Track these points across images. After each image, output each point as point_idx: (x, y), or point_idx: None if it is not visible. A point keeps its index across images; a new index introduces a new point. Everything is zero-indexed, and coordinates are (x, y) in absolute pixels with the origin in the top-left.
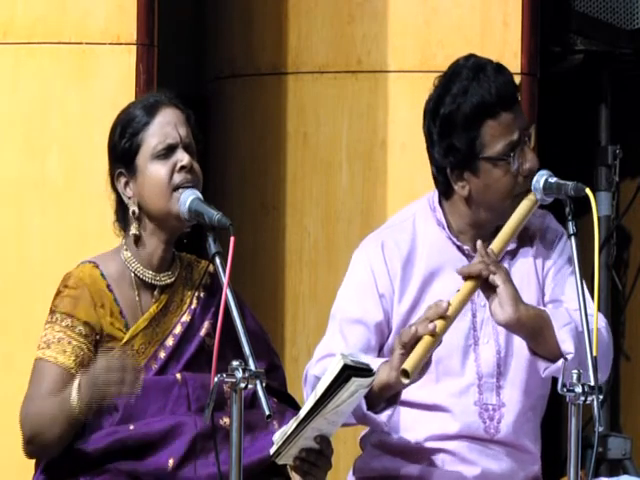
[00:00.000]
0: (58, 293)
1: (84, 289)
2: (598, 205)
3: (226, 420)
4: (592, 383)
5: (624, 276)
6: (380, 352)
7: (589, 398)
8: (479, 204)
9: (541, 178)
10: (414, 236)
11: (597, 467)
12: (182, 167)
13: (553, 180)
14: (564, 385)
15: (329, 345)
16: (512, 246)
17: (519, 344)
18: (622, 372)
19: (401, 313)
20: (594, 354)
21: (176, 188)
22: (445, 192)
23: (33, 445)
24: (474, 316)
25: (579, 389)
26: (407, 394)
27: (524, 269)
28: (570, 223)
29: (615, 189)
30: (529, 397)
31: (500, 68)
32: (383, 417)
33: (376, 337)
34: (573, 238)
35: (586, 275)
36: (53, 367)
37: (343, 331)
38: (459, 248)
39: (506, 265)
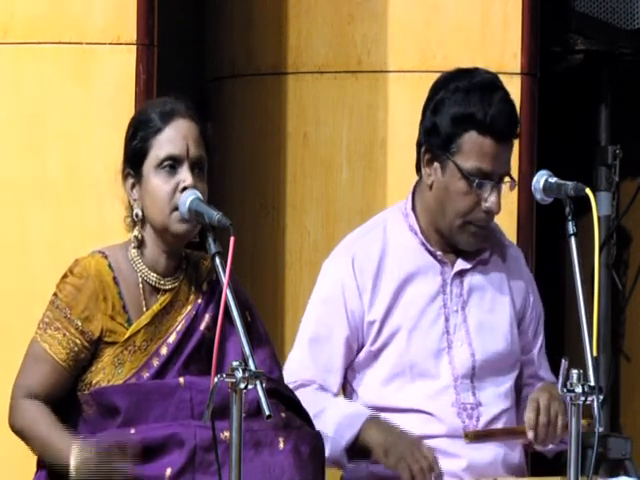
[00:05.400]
0: (64, 277)
1: (88, 279)
2: (598, 205)
3: (227, 434)
4: (592, 383)
5: (624, 276)
6: (349, 368)
7: (589, 398)
8: (437, 202)
9: (541, 178)
10: (384, 244)
11: (597, 467)
12: (184, 188)
13: (553, 180)
14: (564, 385)
15: (299, 369)
16: (485, 255)
17: (493, 346)
18: (622, 372)
19: (372, 321)
20: (594, 354)
21: (176, 208)
22: (419, 168)
23: (18, 436)
24: (447, 320)
25: (579, 389)
26: (383, 399)
27: (497, 280)
28: (570, 223)
29: (615, 189)
30: (507, 396)
31: (508, 101)
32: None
33: (345, 355)
34: (573, 238)
35: (586, 275)
36: (47, 358)
37: (311, 352)
38: (431, 253)
39: (479, 272)
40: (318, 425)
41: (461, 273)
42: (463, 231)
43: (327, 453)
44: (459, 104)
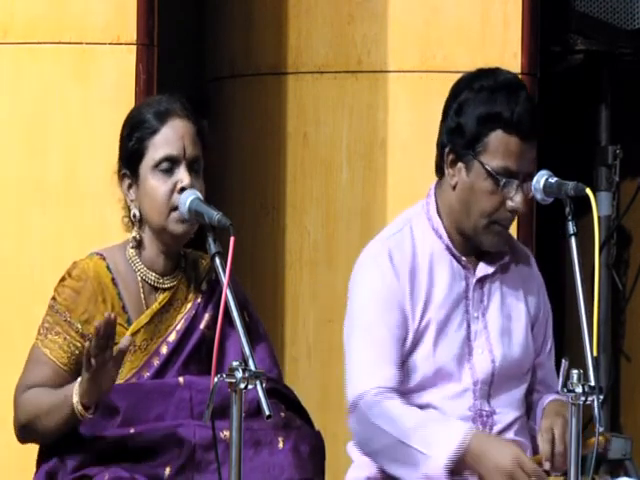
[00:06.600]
0: (62, 280)
1: (86, 282)
2: (598, 205)
3: (227, 434)
4: (592, 383)
5: (624, 276)
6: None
7: (589, 398)
8: (461, 203)
9: (541, 178)
10: (414, 245)
11: (597, 467)
12: (182, 189)
13: (553, 180)
14: (564, 386)
15: (374, 373)
16: (506, 259)
17: (511, 354)
18: (622, 372)
19: (411, 321)
20: (594, 354)
21: (174, 208)
22: (439, 169)
23: (26, 431)
24: (468, 326)
25: (579, 389)
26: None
27: (515, 285)
28: (570, 223)
29: (615, 189)
30: (519, 406)
31: (532, 100)
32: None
33: (403, 350)
34: (573, 238)
35: (586, 275)
36: (49, 362)
37: (380, 353)
38: (456, 258)
39: (498, 278)
40: (415, 443)
41: (482, 279)
42: (488, 231)
43: (424, 471)
44: (484, 103)
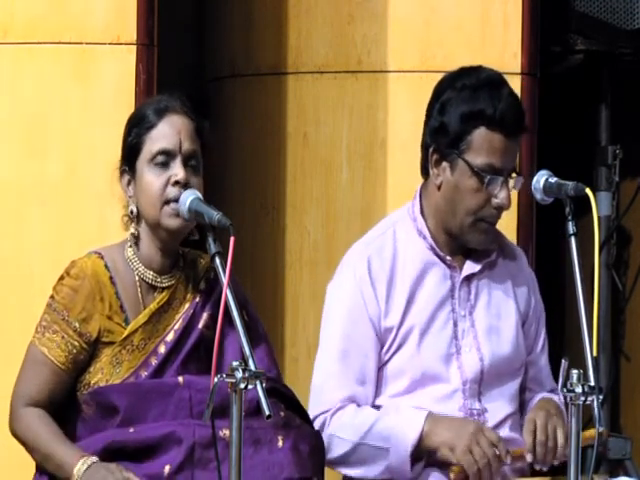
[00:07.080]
0: (60, 278)
1: (84, 280)
2: (598, 205)
3: (226, 432)
4: (592, 383)
5: (624, 276)
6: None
7: (589, 398)
8: (447, 202)
9: (541, 178)
10: (395, 250)
11: (597, 467)
12: (176, 182)
13: (553, 180)
14: (564, 385)
15: (335, 388)
16: (492, 257)
17: (500, 351)
18: (622, 372)
19: (389, 328)
20: (594, 354)
21: (167, 202)
22: (424, 170)
23: (21, 445)
24: (455, 325)
25: (579, 389)
26: (391, 399)
27: (503, 283)
28: (570, 223)
29: (615, 189)
30: (512, 402)
31: (515, 96)
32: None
33: (376, 363)
34: (573, 238)
35: (586, 275)
36: (46, 361)
37: (345, 367)
38: (440, 258)
39: (486, 276)
40: (372, 440)
41: (469, 277)
42: (475, 229)
43: (388, 463)
44: (467, 101)
